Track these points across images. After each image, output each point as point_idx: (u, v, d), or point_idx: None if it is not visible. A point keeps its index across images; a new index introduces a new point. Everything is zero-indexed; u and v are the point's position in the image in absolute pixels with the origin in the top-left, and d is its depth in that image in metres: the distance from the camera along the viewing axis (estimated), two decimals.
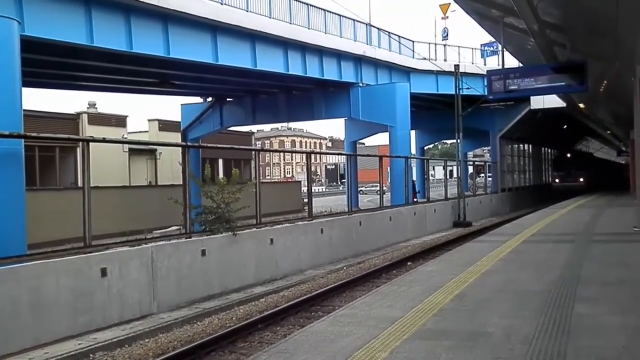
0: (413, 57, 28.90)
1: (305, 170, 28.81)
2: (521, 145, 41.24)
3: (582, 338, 5.19)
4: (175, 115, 33.50)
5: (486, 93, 18.67)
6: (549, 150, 48.65)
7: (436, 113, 35.12)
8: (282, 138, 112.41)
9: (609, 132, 42.16)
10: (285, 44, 22.25)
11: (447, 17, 36.29)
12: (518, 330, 5.43)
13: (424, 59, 28.61)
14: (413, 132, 35.18)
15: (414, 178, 30.36)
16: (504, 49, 16.74)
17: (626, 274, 8.28)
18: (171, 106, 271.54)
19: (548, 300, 6.68)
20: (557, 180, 42.01)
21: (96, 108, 33.90)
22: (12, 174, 11.81)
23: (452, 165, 34.04)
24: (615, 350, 4.85)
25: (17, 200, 11.93)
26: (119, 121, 31.89)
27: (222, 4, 19.43)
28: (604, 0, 10.23)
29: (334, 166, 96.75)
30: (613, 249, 11.15)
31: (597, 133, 47.39)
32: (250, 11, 20.56)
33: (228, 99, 30.58)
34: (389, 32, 28.18)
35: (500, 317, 5.96)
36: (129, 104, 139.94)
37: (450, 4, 34.68)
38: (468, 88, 26.84)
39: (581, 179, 39.86)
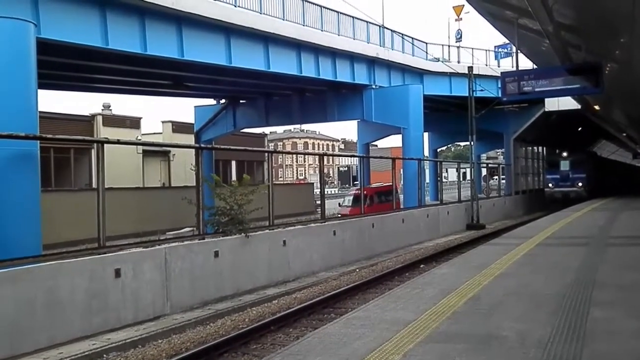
0: (426, 59, 28.84)
1: (317, 172, 28.81)
2: (535, 148, 40.84)
3: (597, 342, 5.12)
4: (189, 117, 33.78)
5: (500, 95, 18.61)
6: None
7: (449, 115, 34.97)
8: (294, 140, 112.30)
9: (624, 134, 41.59)
10: (298, 46, 22.29)
11: (461, 18, 36.33)
12: (532, 334, 5.37)
13: (438, 60, 28.53)
14: (426, 134, 35.11)
15: (427, 180, 30.23)
16: (518, 51, 16.64)
17: None
18: (185, 108, 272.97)
19: (563, 304, 6.61)
20: (550, 185, 34.62)
21: (111, 110, 34.20)
22: (27, 175, 11.93)
23: (465, 168, 33.87)
24: (630, 355, 4.79)
25: (32, 201, 12.05)
26: (133, 123, 32.10)
27: (235, 6, 19.50)
28: (620, 0, 10.12)
29: (346, 168, 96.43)
30: (628, 252, 11.01)
31: (612, 135, 46.80)
32: (264, 13, 20.62)
33: (241, 101, 30.69)
34: (402, 34, 28.14)
35: (514, 321, 5.90)
36: (143, 106, 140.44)
37: (463, 5, 34.67)
38: (482, 90, 26.73)
39: (580, 184, 33.11)
